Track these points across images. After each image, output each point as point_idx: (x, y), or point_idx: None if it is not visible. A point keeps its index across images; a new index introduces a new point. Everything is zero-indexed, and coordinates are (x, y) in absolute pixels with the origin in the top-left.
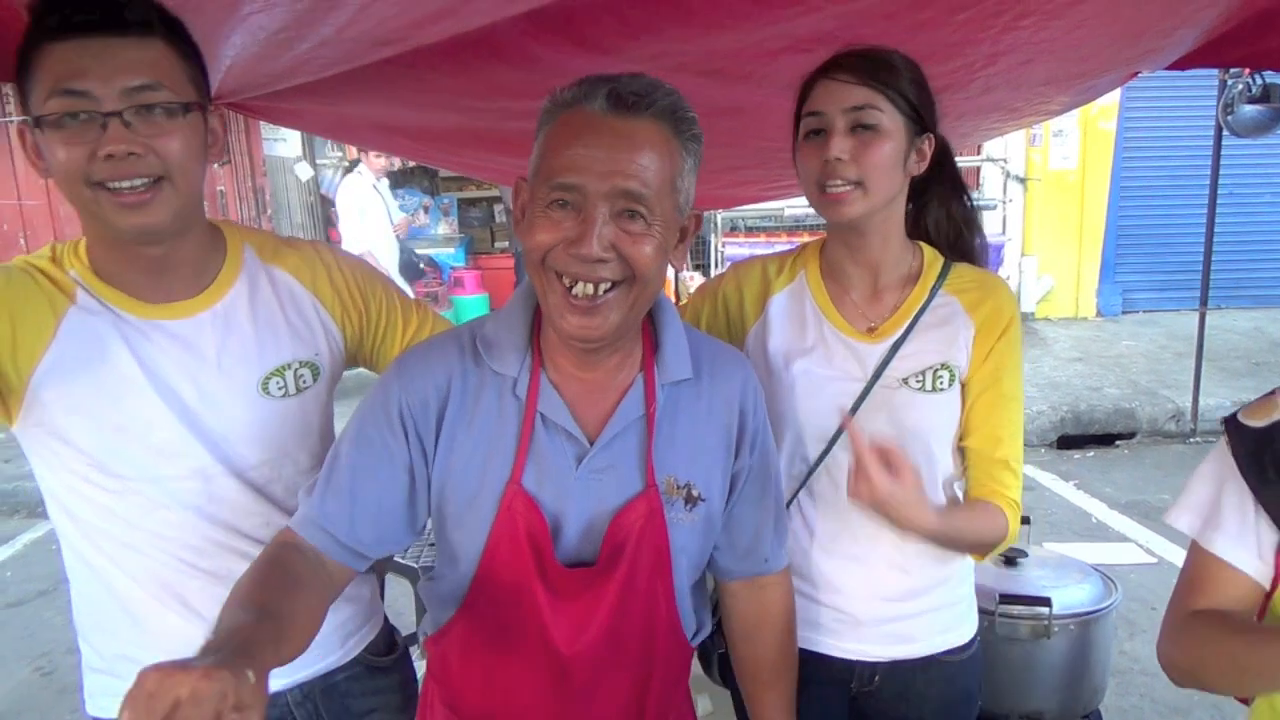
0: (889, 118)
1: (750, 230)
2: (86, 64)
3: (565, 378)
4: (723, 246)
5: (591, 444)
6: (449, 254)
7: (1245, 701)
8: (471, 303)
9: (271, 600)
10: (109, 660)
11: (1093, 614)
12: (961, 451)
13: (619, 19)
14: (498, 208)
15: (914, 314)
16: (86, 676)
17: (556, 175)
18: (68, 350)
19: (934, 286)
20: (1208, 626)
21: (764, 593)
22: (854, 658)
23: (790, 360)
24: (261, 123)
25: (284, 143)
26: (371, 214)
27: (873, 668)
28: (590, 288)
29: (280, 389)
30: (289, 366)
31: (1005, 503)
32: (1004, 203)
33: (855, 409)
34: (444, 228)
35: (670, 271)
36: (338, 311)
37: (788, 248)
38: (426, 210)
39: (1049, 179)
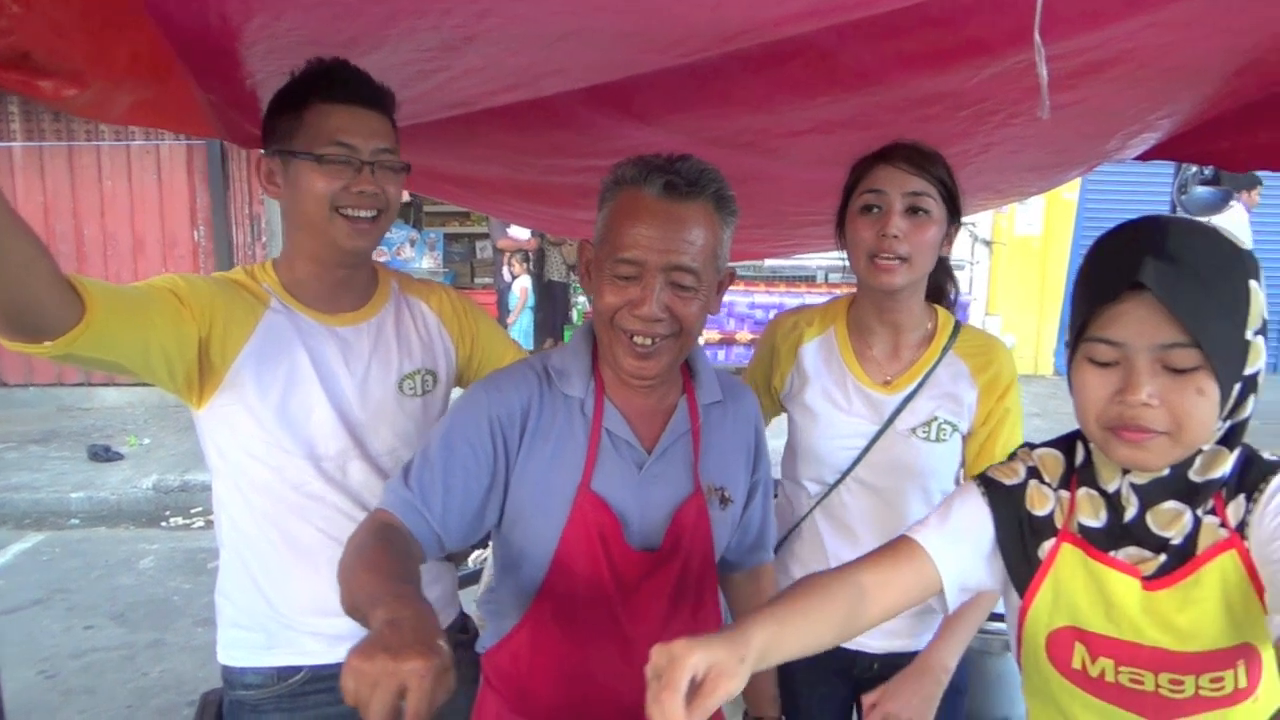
0: (937, 206)
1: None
2: (354, 126)
3: (624, 400)
4: None
5: (649, 453)
6: None
7: None
8: None
9: (403, 567)
10: (245, 614)
11: None
12: None
13: (670, 97)
14: (480, 244)
15: (925, 372)
16: (222, 632)
17: (621, 251)
18: (263, 342)
19: (945, 347)
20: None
21: (761, 579)
22: (854, 648)
23: (817, 403)
24: None
25: None
26: None
27: (871, 658)
28: (649, 341)
29: (412, 389)
30: (419, 372)
31: None
32: (971, 264)
33: (867, 449)
34: (429, 262)
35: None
36: (455, 333)
37: (768, 298)
38: (412, 244)
39: (1014, 244)
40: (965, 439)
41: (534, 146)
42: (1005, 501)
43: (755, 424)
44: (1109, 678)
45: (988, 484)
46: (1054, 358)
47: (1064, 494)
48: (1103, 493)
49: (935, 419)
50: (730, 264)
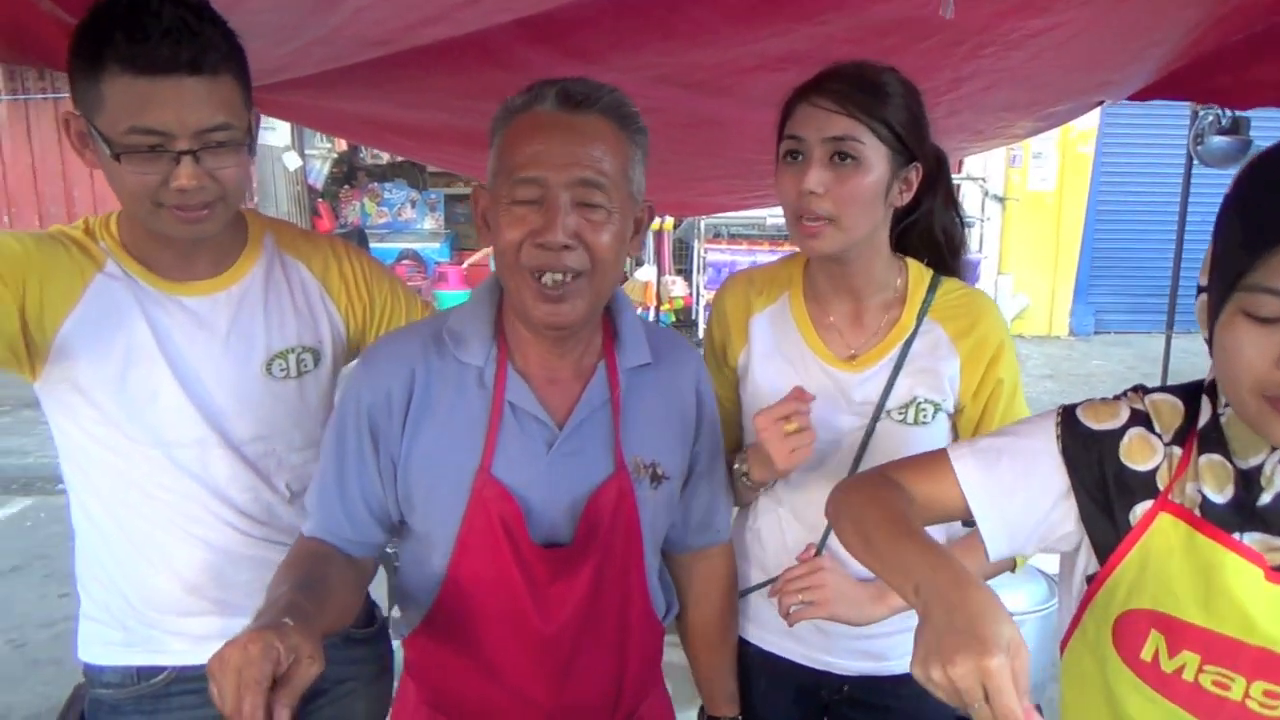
0: (871, 150)
1: (733, 238)
2: (164, 103)
3: (531, 367)
4: (705, 253)
5: (560, 428)
6: (434, 249)
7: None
8: (454, 298)
9: (305, 573)
10: (101, 609)
11: (1031, 614)
12: None
13: (608, 31)
14: None
15: (899, 346)
16: (81, 624)
17: (518, 171)
18: (92, 312)
19: (919, 314)
20: (892, 494)
21: (712, 562)
22: (822, 668)
23: (771, 384)
24: None
25: (273, 131)
26: None
27: (840, 679)
28: (559, 276)
29: (282, 371)
30: (293, 350)
31: None
32: (982, 221)
33: (863, 448)
34: (430, 222)
35: (653, 274)
36: (343, 302)
37: (770, 257)
38: (413, 205)
39: (1027, 199)
40: (953, 416)
41: (470, 89)
42: (1087, 448)
43: (697, 386)
44: (1186, 676)
45: (1068, 424)
46: (1069, 318)
47: (1176, 451)
48: (1235, 465)
49: (914, 399)
50: (649, 202)
